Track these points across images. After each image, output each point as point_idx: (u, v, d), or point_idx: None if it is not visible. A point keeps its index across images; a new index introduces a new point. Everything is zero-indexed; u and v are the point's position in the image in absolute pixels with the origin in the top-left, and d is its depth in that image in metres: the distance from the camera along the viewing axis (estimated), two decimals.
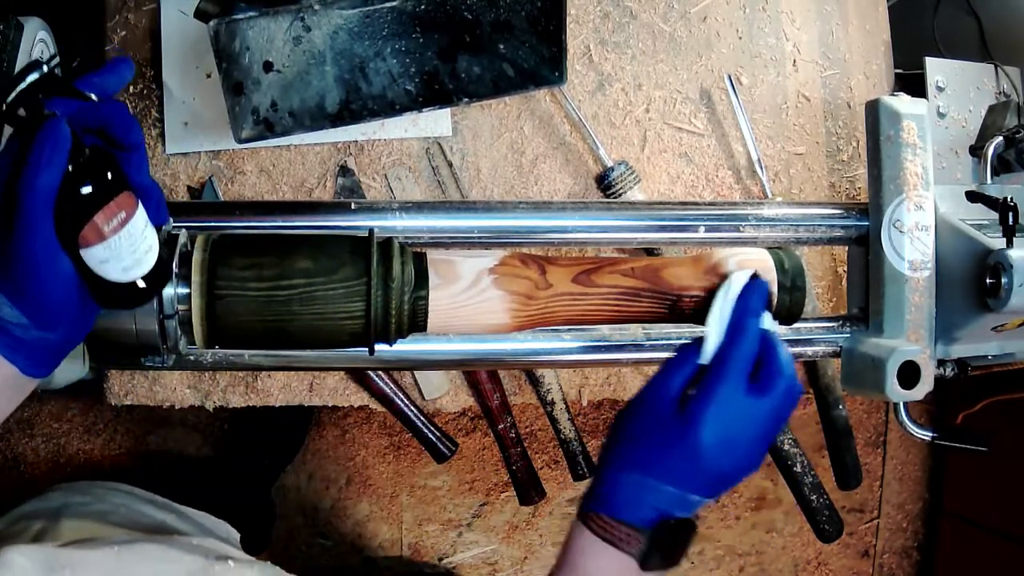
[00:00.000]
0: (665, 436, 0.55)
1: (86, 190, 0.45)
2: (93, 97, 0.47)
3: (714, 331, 0.58)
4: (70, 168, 0.45)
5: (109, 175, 0.47)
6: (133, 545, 0.68)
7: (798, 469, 0.95)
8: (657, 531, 0.55)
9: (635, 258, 0.65)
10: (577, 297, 0.62)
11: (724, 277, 0.61)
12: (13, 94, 0.43)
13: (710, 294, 0.63)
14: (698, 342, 0.58)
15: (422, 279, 0.58)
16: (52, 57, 0.45)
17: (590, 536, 0.55)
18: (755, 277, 0.60)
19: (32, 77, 0.44)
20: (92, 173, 0.46)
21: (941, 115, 0.96)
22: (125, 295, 0.49)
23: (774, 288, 0.63)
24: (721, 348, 0.57)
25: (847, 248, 0.82)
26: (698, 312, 0.65)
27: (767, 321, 0.58)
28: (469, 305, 0.59)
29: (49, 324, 0.47)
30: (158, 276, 0.51)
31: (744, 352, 0.56)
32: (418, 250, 0.61)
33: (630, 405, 0.58)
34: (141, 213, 0.49)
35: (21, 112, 0.44)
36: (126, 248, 0.48)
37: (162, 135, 0.88)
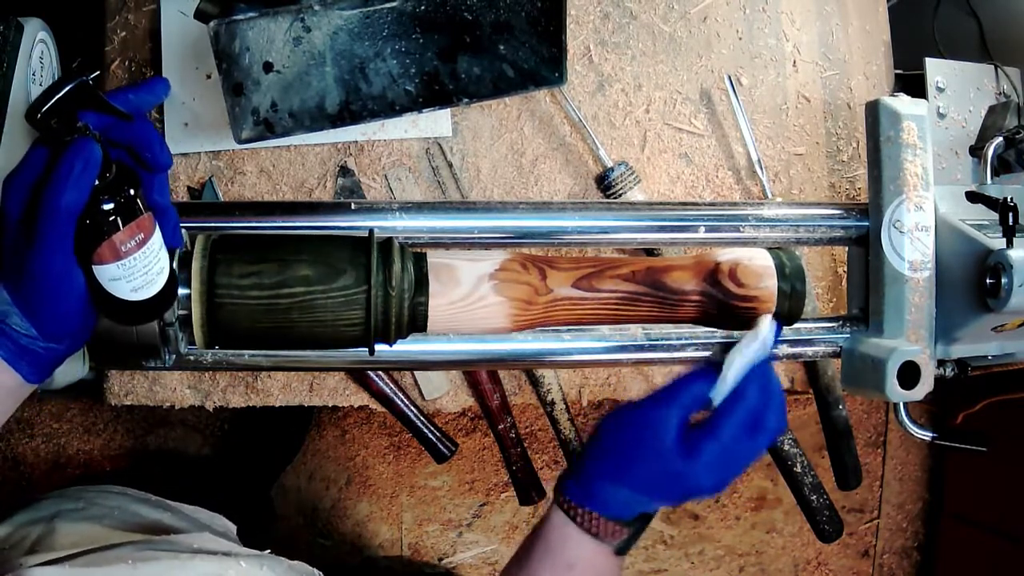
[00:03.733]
0: (665, 464, 0.57)
1: (108, 207, 0.45)
2: (125, 113, 0.46)
3: (734, 374, 0.58)
4: (96, 183, 0.45)
5: (132, 192, 0.47)
6: (147, 560, 0.68)
7: (798, 469, 0.95)
8: (636, 524, 0.59)
9: (636, 260, 0.65)
10: (577, 302, 0.62)
11: (753, 324, 0.61)
12: (49, 104, 0.43)
13: (710, 298, 0.63)
14: (709, 372, 0.59)
15: (422, 285, 0.58)
16: (88, 68, 0.45)
17: (573, 527, 0.58)
18: (775, 320, 0.61)
19: (68, 88, 0.43)
20: (116, 191, 0.46)
21: (941, 115, 0.96)
22: (131, 313, 0.49)
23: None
24: (738, 394, 0.58)
25: (847, 248, 0.82)
26: (698, 316, 0.65)
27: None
28: (469, 311, 0.59)
29: (56, 336, 0.48)
30: (165, 298, 0.51)
31: (758, 401, 0.58)
32: (418, 250, 0.61)
33: (628, 415, 0.59)
34: (158, 235, 0.49)
35: (53, 123, 0.44)
36: (139, 269, 0.48)
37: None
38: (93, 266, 0.46)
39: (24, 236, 0.44)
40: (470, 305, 0.59)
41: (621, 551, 0.59)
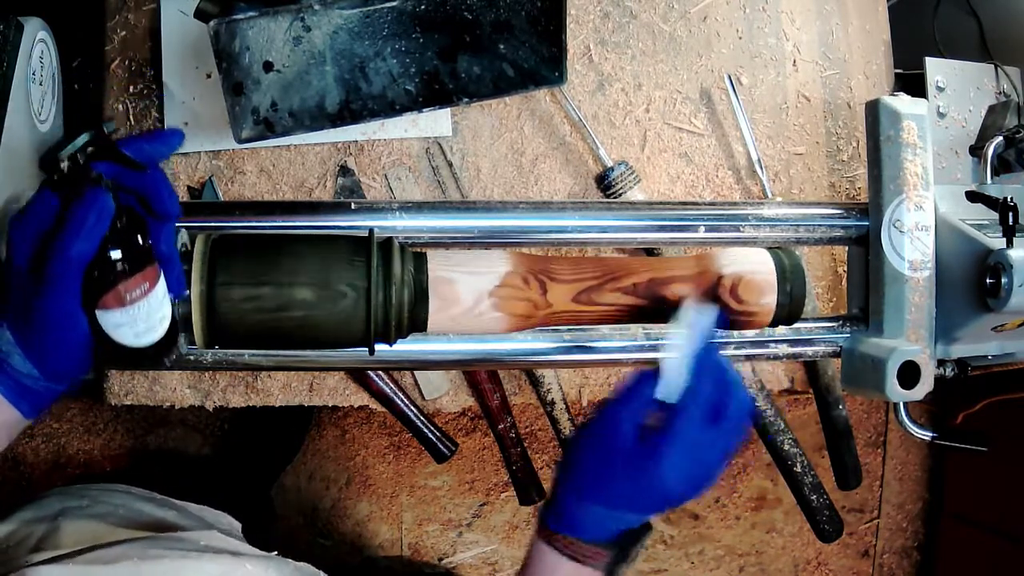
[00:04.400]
0: (629, 473, 0.55)
1: (115, 255, 0.46)
2: (139, 164, 0.47)
3: (675, 368, 0.56)
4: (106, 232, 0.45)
5: (139, 240, 0.47)
6: (153, 558, 0.68)
7: (798, 469, 0.95)
8: (619, 543, 0.57)
9: (639, 268, 0.63)
10: (576, 314, 0.63)
11: (679, 302, 0.59)
12: (66, 151, 0.44)
13: (713, 301, 0.63)
14: (649, 375, 0.57)
15: (422, 301, 0.58)
16: (108, 124, 0.46)
17: (556, 554, 0.57)
18: (711, 306, 0.59)
19: (83, 138, 0.44)
20: (125, 239, 0.46)
21: (941, 115, 0.96)
22: (131, 357, 0.50)
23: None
24: (688, 388, 0.56)
25: (847, 248, 0.82)
26: None
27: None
28: (468, 323, 0.60)
29: (57, 378, 0.49)
30: (166, 344, 0.52)
31: (709, 391, 0.56)
32: (418, 250, 0.61)
33: (586, 434, 0.58)
34: (162, 284, 0.50)
35: (67, 170, 0.44)
36: (142, 317, 0.49)
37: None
38: (97, 311, 0.47)
39: (32, 281, 0.45)
40: (470, 321, 0.59)
41: (612, 572, 0.58)
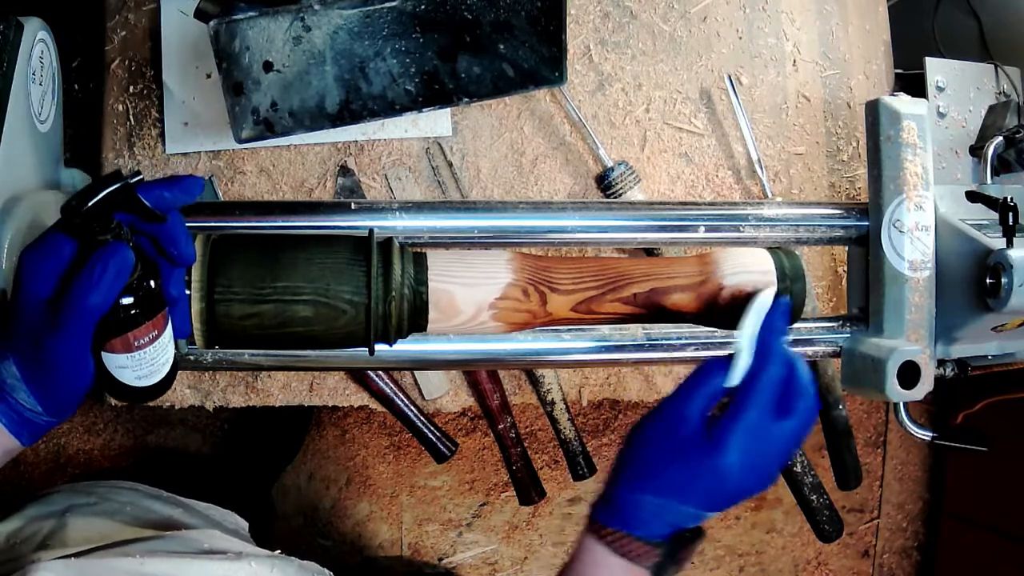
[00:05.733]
0: (690, 461, 0.54)
1: (128, 302, 0.47)
2: (160, 216, 0.48)
3: (745, 353, 0.56)
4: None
5: (152, 285, 0.48)
6: (156, 554, 0.68)
7: (798, 469, 0.95)
8: (671, 544, 0.55)
9: (639, 273, 0.63)
10: (575, 321, 0.63)
11: (748, 295, 0.61)
12: (92, 203, 0.44)
13: (706, 319, 0.63)
14: (722, 362, 0.57)
15: (422, 314, 0.58)
16: (135, 175, 0.46)
17: (604, 550, 0.55)
18: (778, 296, 0.60)
19: (110, 190, 0.44)
20: (138, 286, 0.47)
21: (941, 115, 0.96)
22: (130, 395, 0.51)
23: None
24: (751, 373, 0.56)
25: (847, 248, 0.82)
26: (697, 320, 0.65)
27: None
28: (468, 331, 0.60)
29: (59, 414, 0.50)
30: (166, 384, 0.52)
31: (774, 377, 0.55)
32: (418, 250, 0.61)
33: (649, 422, 0.57)
34: (169, 330, 0.51)
35: (91, 222, 0.45)
36: (147, 361, 0.49)
37: (162, 135, 0.88)
38: (103, 353, 0.48)
39: (45, 323, 0.46)
40: (469, 328, 0.60)
41: (659, 573, 0.55)
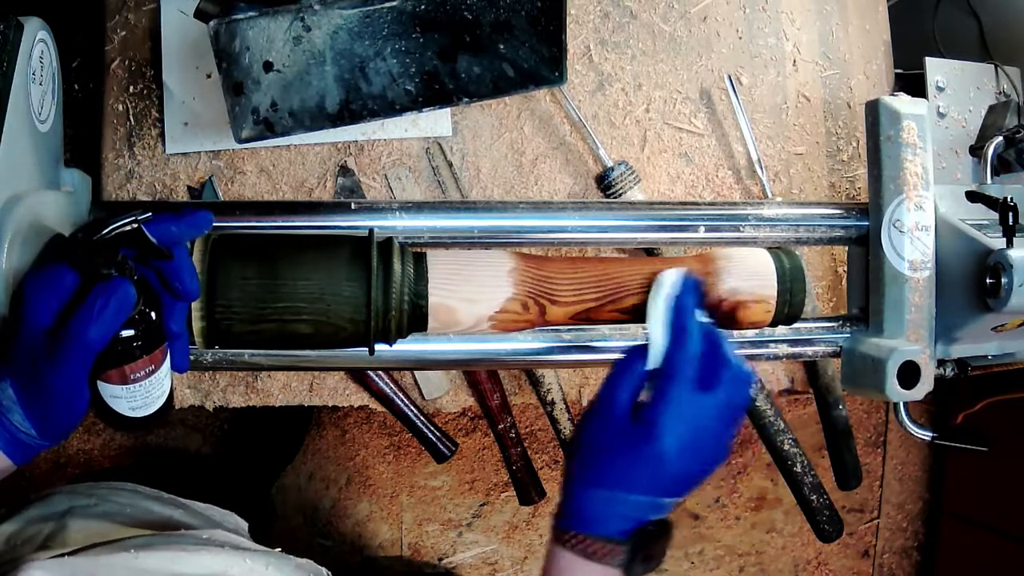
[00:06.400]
0: (626, 447, 0.54)
1: (127, 334, 0.47)
2: (167, 253, 0.48)
3: (657, 335, 0.57)
4: None
5: (153, 317, 0.48)
6: (151, 548, 0.69)
7: (798, 469, 0.95)
8: (636, 539, 0.55)
9: (637, 285, 0.62)
10: (572, 325, 0.64)
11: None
12: (100, 236, 0.45)
13: (710, 313, 0.63)
14: (642, 348, 0.57)
15: (421, 324, 0.59)
16: (145, 212, 0.47)
17: (569, 555, 0.55)
18: (686, 274, 0.60)
19: (118, 225, 0.45)
20: (139, 320, 0.47)
21: (941, 115, 0.96)
22: (123, 424, 0.51)
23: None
24: (669, 352, 0.56)
25: (847, 248, 0.82)
26: None
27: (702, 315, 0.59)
28: (467, 336, 0.62)
29: (53, 438, 0.50)
30: (159, 416, 0.53)
31: (690, 352, 0.56)
32: (418, 250, 0.61)
33: (585, 418, 0.58)
34: (167, 364, 0.51)
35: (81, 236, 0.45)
36: (142, 394, 0.50)
37: (162, 135, 0.88)
38: (99, 382, 0.48)
39: (45, 352, 0.46)
40: (468, 334, 0.61)
41: (629, 570, 0.55)
